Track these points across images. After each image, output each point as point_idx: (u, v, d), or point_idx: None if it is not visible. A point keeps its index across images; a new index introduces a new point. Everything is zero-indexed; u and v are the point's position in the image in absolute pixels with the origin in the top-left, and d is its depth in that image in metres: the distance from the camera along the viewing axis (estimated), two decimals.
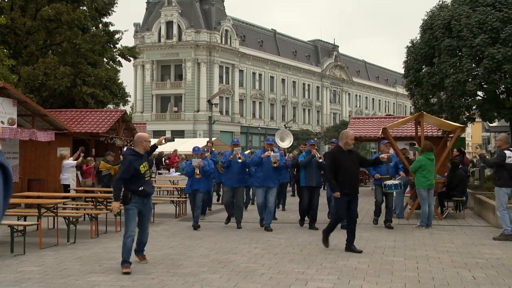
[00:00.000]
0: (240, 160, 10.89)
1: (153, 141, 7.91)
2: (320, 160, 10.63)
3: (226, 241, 9.59)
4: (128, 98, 29.64)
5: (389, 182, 11.34)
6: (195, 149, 11.43)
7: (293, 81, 70.15)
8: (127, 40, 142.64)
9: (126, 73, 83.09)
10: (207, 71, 56.67)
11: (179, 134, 50.12)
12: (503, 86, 16.51)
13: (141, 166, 7.25)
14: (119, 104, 28.18)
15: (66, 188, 13.91)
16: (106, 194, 11.57)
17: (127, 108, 38.11)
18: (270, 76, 66.28)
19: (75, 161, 14.39)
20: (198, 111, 55.47)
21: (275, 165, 10.46)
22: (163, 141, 8.01)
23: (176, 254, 8.48)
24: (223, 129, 55.12)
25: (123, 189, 7.24)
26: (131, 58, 28.24)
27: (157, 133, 50.32)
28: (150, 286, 6.42)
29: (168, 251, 8.79)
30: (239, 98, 61.08)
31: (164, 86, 57.65)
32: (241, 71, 61.56)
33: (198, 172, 10.82)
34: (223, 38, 58.47)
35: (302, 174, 10.85)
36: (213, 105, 32.49)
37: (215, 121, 39.89)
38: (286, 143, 13.66)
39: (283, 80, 68.36)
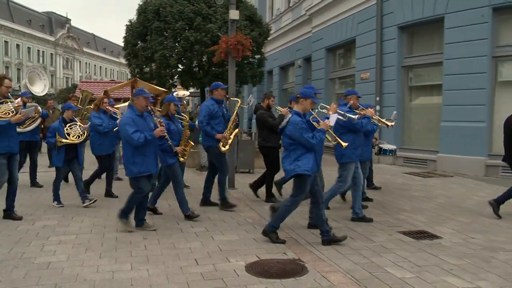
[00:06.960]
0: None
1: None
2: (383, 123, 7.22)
3: None
4: None
5: (388, 147, 9.00)
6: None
7: (28, 47, 66.33)
8: None
9: None
10: None
11: None
12: (195, 62, 19.72)
13: None
14: None
15: None
16: None
17: None
18: (5, 41, 61.40)
19: None
20: None
21: (392, 124, 7.03)
22: None
23: None
24: None
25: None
26: None
27: None
28: None
29: None
30: None
31: None
32: None
33: None
34: None
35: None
36: None
37: None
38: (39, 88, 9.70)
39: (18, 45, 64.02)
